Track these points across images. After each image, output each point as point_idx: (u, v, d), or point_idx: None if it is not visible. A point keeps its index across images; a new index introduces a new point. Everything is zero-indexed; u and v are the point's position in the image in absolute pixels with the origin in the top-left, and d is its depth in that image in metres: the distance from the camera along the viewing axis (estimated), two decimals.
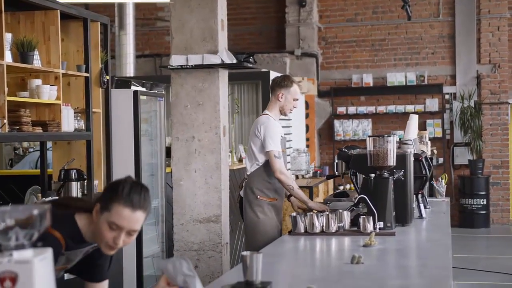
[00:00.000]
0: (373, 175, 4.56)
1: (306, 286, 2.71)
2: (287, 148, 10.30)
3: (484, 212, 12.65)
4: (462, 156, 12.98)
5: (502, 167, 13.01)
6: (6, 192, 6.56)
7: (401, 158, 4.71)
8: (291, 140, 10.77)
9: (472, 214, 12.64)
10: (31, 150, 8.49)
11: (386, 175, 4.56)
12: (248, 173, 5.54)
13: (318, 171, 11.21)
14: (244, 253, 2.88)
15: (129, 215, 2.67)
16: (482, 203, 12.62)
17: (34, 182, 6.10)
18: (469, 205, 12.64)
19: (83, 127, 5.84)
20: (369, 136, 4.63)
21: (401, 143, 5.40)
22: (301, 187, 9.48)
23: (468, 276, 8.66)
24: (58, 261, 2.78)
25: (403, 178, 4.70)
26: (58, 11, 5.48)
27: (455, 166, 13.13)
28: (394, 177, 4.61)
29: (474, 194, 12.62)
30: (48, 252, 1.89)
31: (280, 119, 5.50)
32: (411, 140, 5.44)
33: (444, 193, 6.70)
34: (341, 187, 10.49)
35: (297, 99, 5.51)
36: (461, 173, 13.07)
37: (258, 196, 5.41)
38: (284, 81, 5.50)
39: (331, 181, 11.56)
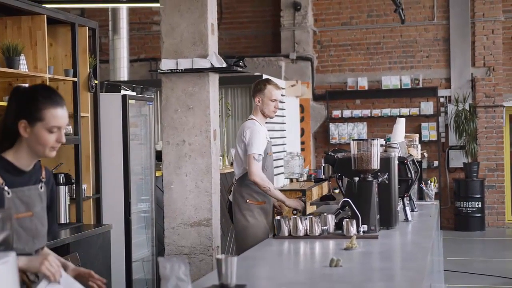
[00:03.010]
0: (357, 178, 4.56)
1: None
2: (281, 151, 10.44)
3: (479, 215, 12.66)
4: (457, 159, 12.99)
5: (497, 170, 13.02)
6: None
7: (386, 162, 4.71)
8: (285, 144, 10.78)
9: (467, 217, 12.64)
10: None
11: (370, 178, 4.56)
12: (236, 178, 5.57)
13: (313, 175, 11.20)
14: (219, 256, 2.91)
15: (62, 113, 2.90)
16: (477, 206, 12.62)
17: None
18: (464, 208, 12.65)
19: (71, 132, 5.85)
20: (353, 140, 4.64)
21: (387, 146, 5.41)
22: (294, 190, 9.58)
23: (461, 279, 8.67)
24: (15, 204, 2.83)
25: (387, 181, 4.70)
26: (45, 16, 5.49)
27: (450, 169, 13.14)
28: (378, 181, 4.62)
29: (469, 197, 12.62)
30: (11, 256, 1.90)
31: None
32: (396, 143, 5.44)
33: (433, 197, 6.70)
34: (337, 191, 10.48)
35: (275, 100, 5.53)
36: (456, 176, 13.08)
37: (248, 200, 5.45)
38: (258, 85, 5.57)
39: (325, 184, 11.57)
